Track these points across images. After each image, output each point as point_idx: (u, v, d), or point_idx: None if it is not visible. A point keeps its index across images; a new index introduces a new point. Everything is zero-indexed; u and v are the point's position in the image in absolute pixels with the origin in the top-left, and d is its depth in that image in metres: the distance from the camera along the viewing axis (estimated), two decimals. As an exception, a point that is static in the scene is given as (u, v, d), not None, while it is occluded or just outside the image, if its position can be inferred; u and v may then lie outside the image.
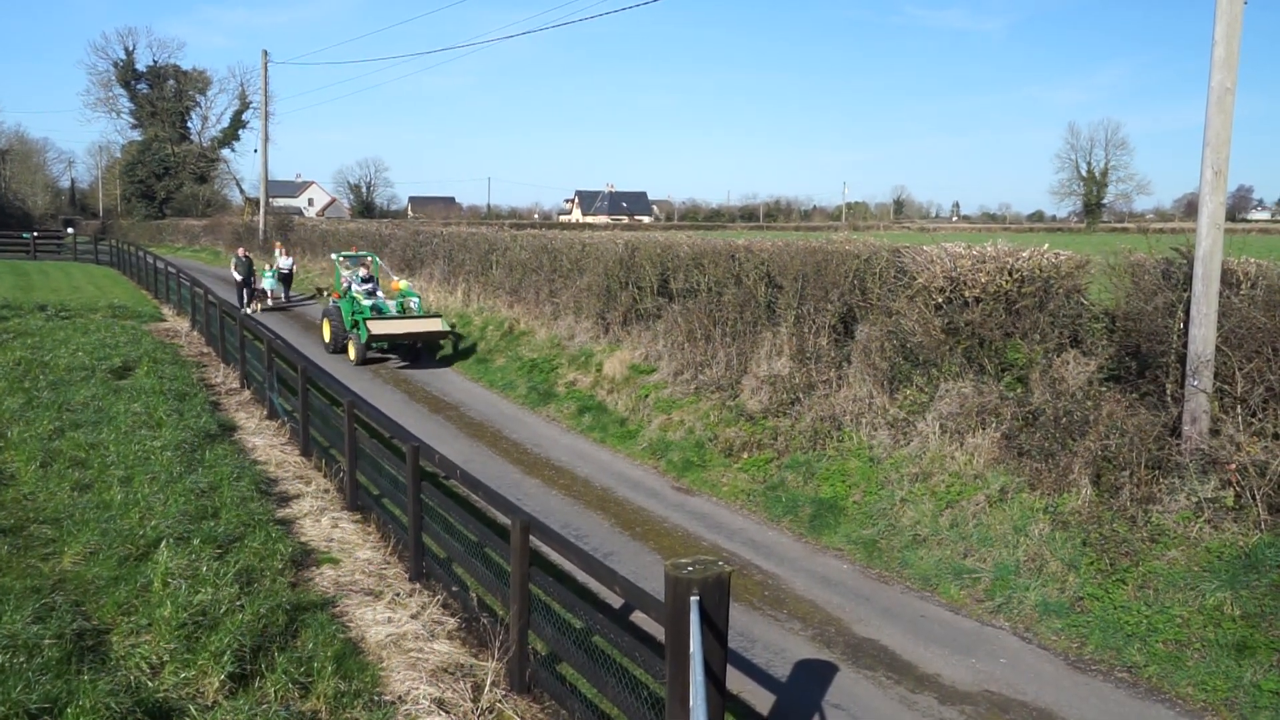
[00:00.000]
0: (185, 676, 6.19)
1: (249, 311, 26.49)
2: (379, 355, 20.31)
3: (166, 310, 27.33)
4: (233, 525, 8.96)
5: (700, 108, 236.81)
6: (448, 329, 20.02)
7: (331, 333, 21.05)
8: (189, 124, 77.82)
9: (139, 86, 75.90)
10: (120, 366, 16.66)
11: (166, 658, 6.39)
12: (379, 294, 20.88)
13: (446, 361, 20.68)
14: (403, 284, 21.62)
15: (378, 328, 19.00)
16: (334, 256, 24.41)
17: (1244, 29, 8.72)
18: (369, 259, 22.96)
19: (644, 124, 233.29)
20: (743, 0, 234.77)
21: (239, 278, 27.84)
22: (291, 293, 30.60)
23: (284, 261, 29.93)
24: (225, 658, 6.29)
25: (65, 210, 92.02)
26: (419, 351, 20.43)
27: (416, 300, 21.05)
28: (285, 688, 6.17)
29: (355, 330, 19.98)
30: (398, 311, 20.37)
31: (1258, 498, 8.07)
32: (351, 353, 20.01)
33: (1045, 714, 6.88)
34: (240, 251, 28.68)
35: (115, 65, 74.98)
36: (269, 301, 29.06)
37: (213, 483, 10.24)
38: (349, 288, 20.76)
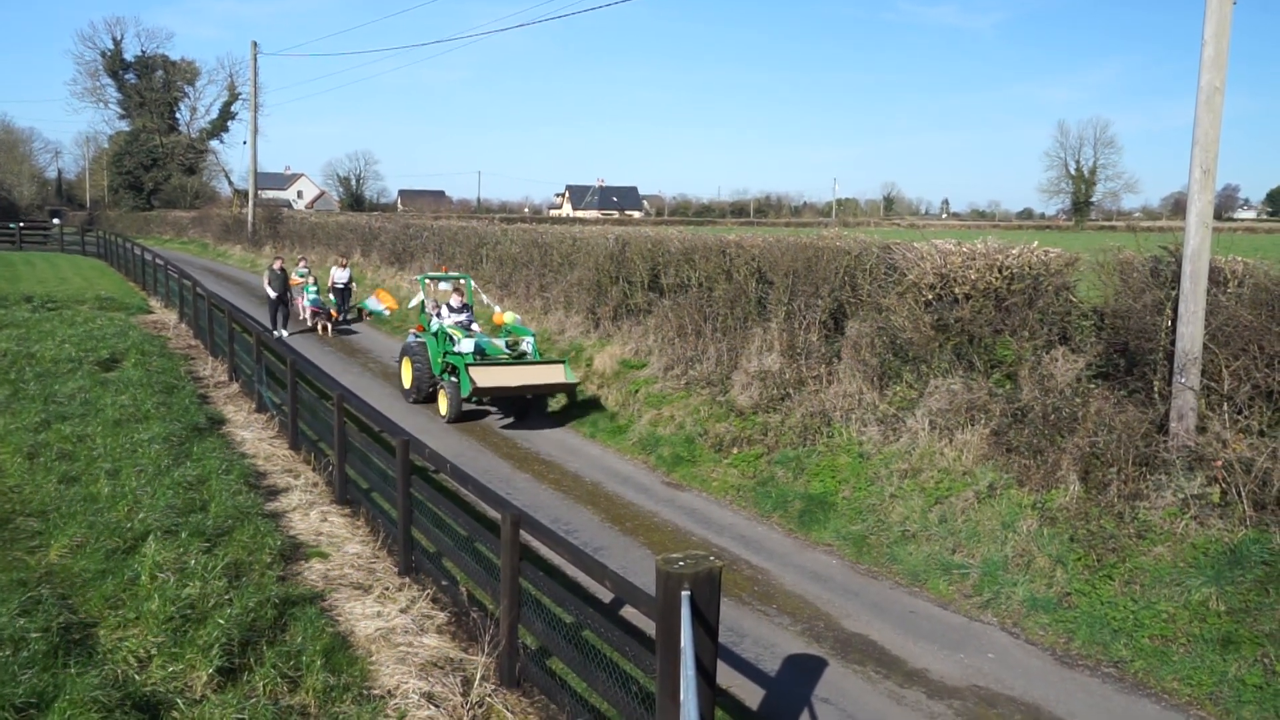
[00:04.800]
0: (173, 670, 6.17)
1: (282, 334, 21.77)
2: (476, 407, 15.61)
3: (154, 302, 27.19)
4: (221, 519, 8.93)
5: (691, 103, 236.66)
6: (574, 380, 14.92)
7: (414, 378, 15.93)
8: (177, 115, 77.32)
9: (127, 76, 75.34)
10: (107, 359, 16.57)
11: (154, 651, 6.37)
12: (476, 327, 16.29)
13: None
14: (509, 316, 16.43)
15: (485, 378, 13.97)
16: (418, 278, 19.20)
17: (1233, 29, 8.76)
18: (462, 281, 17.96)
19: (635, 119, 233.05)
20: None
21: (273, 294, 22.27)
22: (344, 313, 24.39)
23: (340, 274, 24.23)
24: (213, 651, 6.27)
25: (52, 201, 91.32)
26: (528, 405, 15.33)
27: (531, 339, 15.53)
28: (274, 681, 6.16)
29: (448, 376, 15.22)
30: (508, 355, 15.28)
31: (1243, 494, 8.12)
32: (443, 406, 15.00)
33: (1033, 709, 6.93)
34: (277, 264, 22.55)
35: (103, 55, 74.42)
36: (310, 320, 23.40)
37: (201, 476, 10.20)
38: (435, 317, 16.07)
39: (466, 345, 14.67)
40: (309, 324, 23.35)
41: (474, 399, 14.42)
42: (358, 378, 17.77)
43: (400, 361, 16.73)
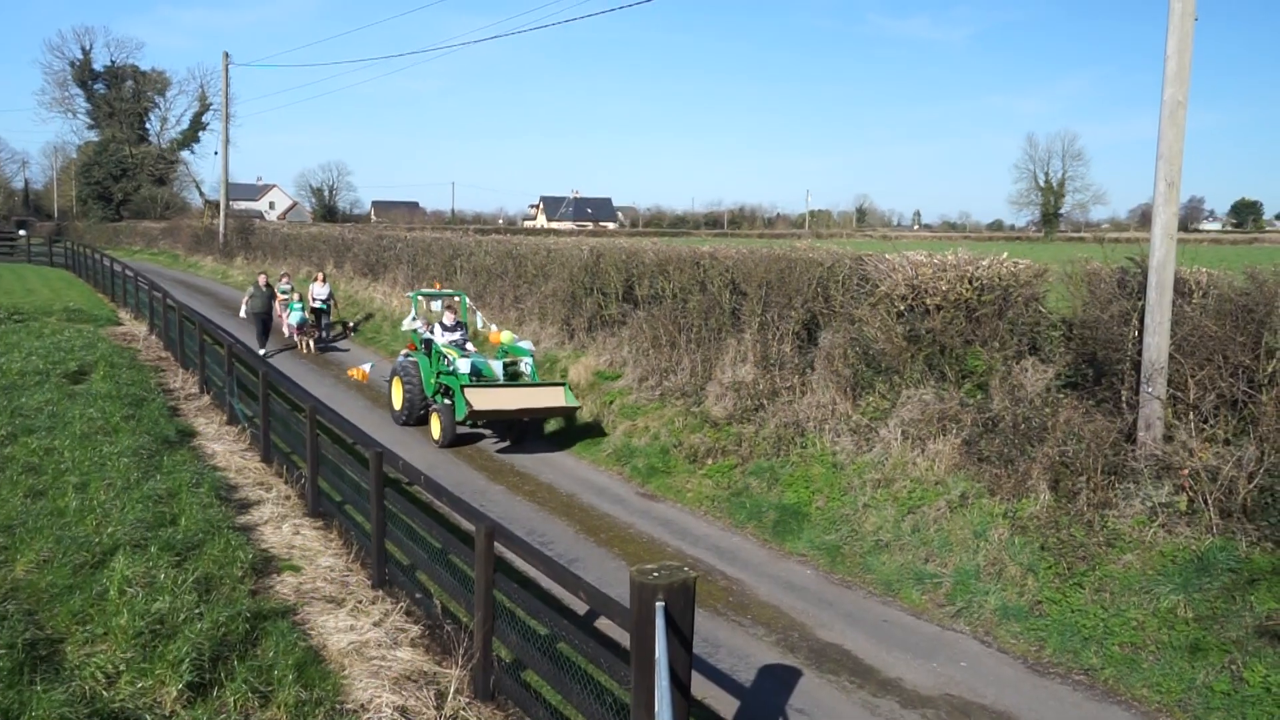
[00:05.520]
0: (142, 686, 6.09)
1: (267, 354, 21.02)
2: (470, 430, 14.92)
3: (124, 314, 26.88)
4: (192, 532, 8.83)
5: (665, 114, 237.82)
6: (575, 403, 14.11)
7: (406, 399, 15.31)
8: (148, 125, 76.71)
9: (96, 86, 74.64)
10: (76, 371, 16.36)
11: (123, 667, 6.27)
12: (470, 347, 15.60)
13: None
14: (505, 335, 15.76)
15: (482, 400, 13.33)
16: (410, 294, 18.29)
17: (1195, 44, 8.94)
18: (456, 299, 17.23)
19: (609, 130, 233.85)
20: (709, 7, 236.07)
21: (246, 311, 21.76)
22: (323, 330, 23.39)
23: (320, 290, 23.16)
24: (183, 667, 6.19)
25: (19, 211, 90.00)
26: (525, 427, 14.80)
27: (530, 360, 15.09)
28: (245, 697, 6.09)
29: (441, 398, 14.67)
30: (505, 376, 14.83)
31: (1209, 502, 8.25)
32: (435, 429, 14.34)
33: (1005, 717, 6.98)
34: (261, 280, 22.02)
35: (72, 65, 73.72)
36: (293, 338, 22.66)
37: (171, 489, 10.09)
38: (427, 336, 15.52)
39: (463, 365, 14.08)
40: (292, 342, 22.60)
41: (469, 422, 13.75)
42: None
43: (390, 381, 16.04)
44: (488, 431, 14.95)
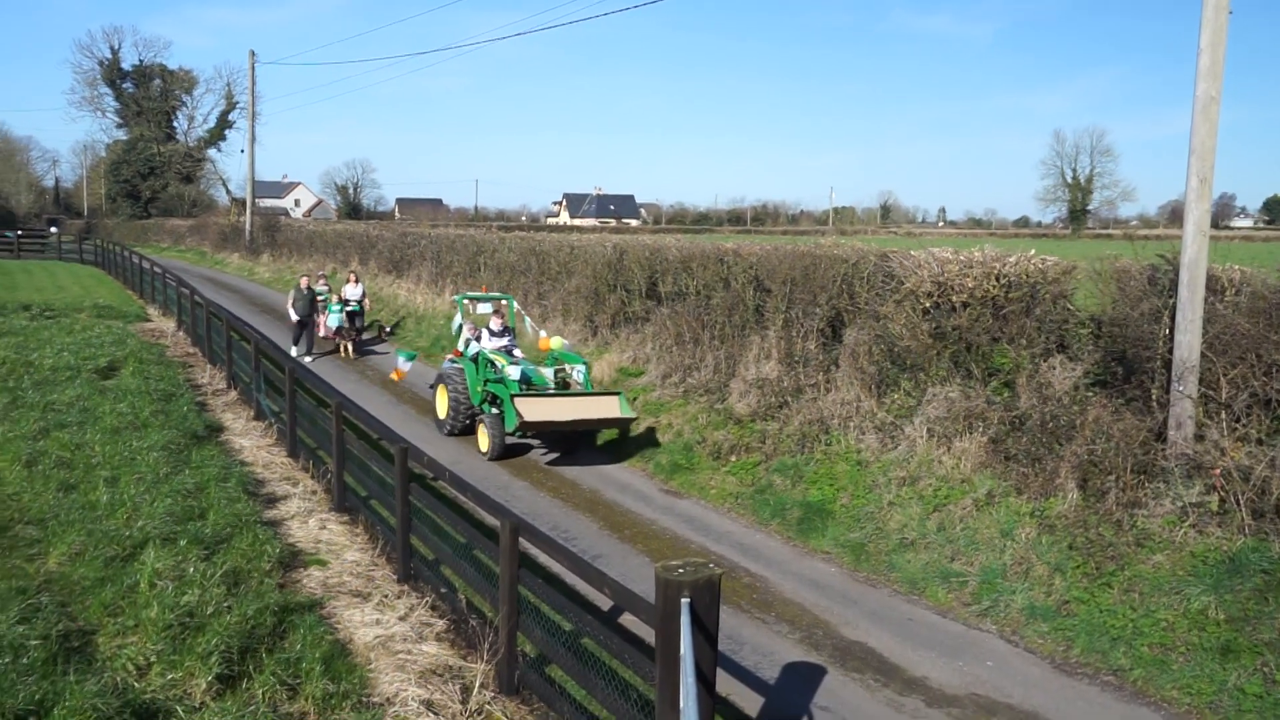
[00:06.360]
0: (172, 678, 6.15)
1: (304, 358, 20.30)
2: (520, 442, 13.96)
3: (152, 310, 27.17)
4: (220, 526, 8.92)
5: (688, 111, 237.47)
6: (631, 414, 13.43)
7: (451, 408, 14.51)
8: (175, 124, 77.50)
9: (124, 85, 75.49)
10: (105, 366, 16.56)
11: (153, 659, 6.35)
12: (518, 353, 14.74)
13: (434, 359, 20.61)
14: (555, 341, 14.87)
15: (533, 411, 12.56)
16: (455, 298, 17.48)
17: (1229, 38, 8.82)
18: (503, 302, 16.17)
19: (632, 127, 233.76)
20: (730, 4, 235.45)
21: (296, 316, 20.83)
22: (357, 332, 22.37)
23: (353, 291, 22.30)
24: (213, 659, 6.26)
25: (49, 209, 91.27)
26: (577, 440, 13.99)
27: (583, 368, 14.10)
28: (273, 689, 6.15)
29: (488, 408, 13.89)
30: (555, 384, 13.95)
31: (1242, 502, 8.14)
32: (483, 441, 13.56)
33: (1032, 717, 6.92)
34: (303, 283, 21.33)
35: (100, 64, 74.62)
36: (333, 339, 21.86)
37: (199, 484, 10.19)
38: (470, 342, 14.76)
39: (513, 372, 13.35)
40: (333, 346, 21.92)
41: (519, 434, 12.96)
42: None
43: (434, 389, 15.32)
44: (535, 442, 14.17)
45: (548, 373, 13.95)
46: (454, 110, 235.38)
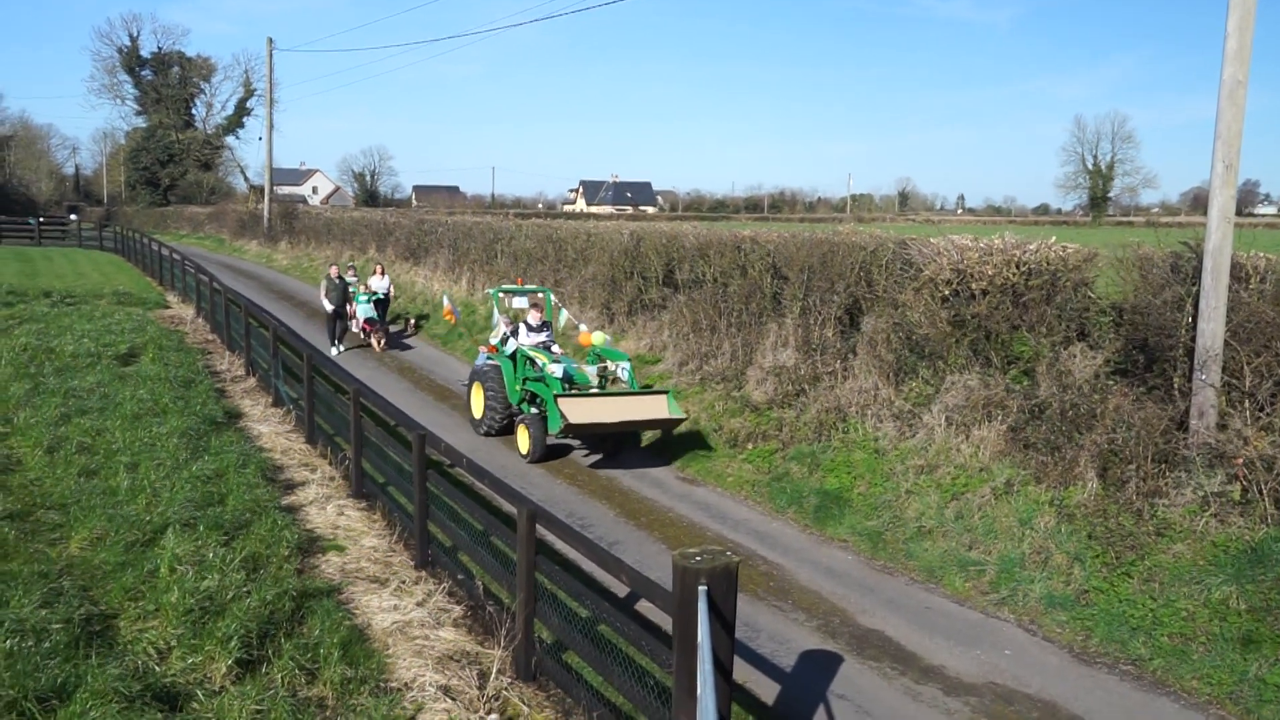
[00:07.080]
0: (193, 662, 6.21)
1: (339, 352, 20.04)
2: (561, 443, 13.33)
3: (171, 297, 27.34)
4: (239, 512, 8.98)
5: (705, 98, 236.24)
6: (681, 415, 12.55)
7: (487, 407, 13.81)
8: (193, 111, 77.86)
9: (143, 73, 75.87)
10: (125, 353, 16.69)
11: (174, 643, 6.42)
12: (557, 349, 13.92)
13: (449, 345, 20.67)
14: (598, 337, 13.92)
15: (578, 412, 11.77)
16: (490, 291, 16.90)
17: (1256, 22, 8.68)
18: (541, 295, 15.35)
19: (649, 114, 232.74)
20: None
21: (330, 307, 20.07)
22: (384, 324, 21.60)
23: (379, 283, 21.59)
24: (232, 643, 6.31)
25: (70, 197, 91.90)
26: (621, 441, 13.19)
27: (628, 366, 13.24)
28: (292, 674, 6.20)
29: (527, 407, 13.24)
30: (599, 383, 13.19)
31: (1264, 492, 8.06)
32: (523, 442, 12.85)
33: (1050, 706, 6.89)
34: (333, 271, 20.60)
35: (120, 51, 74.99)
36: (361, 334, 21.27)
37: (219, 469, 10.26)
38: (507, 337, 13.81)
39: (556, 370, 12.62)
40: (361, 338, 21.32)
41: (561, 435, 12.17)
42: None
43: (469, 386, 14.54)
44: (577, 443, 13.51)
45: (591, 370, 13.18)
46: (470, 97, 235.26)
